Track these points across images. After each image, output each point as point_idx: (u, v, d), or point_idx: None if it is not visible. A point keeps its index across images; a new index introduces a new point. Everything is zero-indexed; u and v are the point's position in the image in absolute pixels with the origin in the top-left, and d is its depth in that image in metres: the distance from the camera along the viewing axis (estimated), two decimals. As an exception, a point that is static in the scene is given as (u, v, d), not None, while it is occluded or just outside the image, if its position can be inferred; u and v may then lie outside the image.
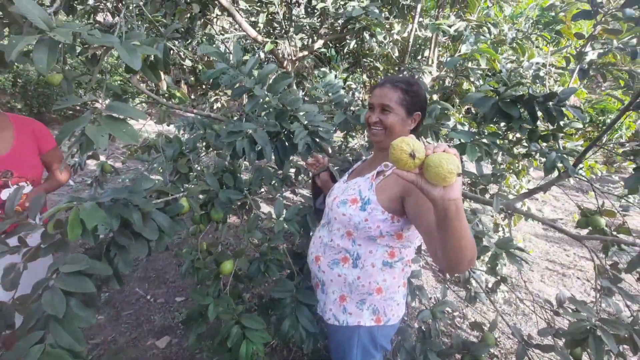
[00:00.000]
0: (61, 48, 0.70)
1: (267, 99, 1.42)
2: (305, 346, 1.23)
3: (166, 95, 3.21)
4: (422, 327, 1.63)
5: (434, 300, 2.61)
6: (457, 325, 2.47)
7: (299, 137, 1.36)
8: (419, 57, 2.60)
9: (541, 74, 2.15)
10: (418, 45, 2.44)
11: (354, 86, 2.97)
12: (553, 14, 2.10)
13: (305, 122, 1.43)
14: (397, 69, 2.36)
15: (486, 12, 2.35)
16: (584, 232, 1.73)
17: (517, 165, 2.84)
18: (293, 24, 2.35)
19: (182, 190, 1.36)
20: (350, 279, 1.06)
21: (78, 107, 7.58)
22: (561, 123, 1.29)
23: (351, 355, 1.09)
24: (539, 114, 1.24)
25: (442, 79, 2.45)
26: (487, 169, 2.71)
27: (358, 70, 2.98)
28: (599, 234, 1.45)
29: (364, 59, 2.83)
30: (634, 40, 1.42)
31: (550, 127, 1.36)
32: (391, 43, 2.49)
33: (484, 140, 1.29)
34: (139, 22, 1.45)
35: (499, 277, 1.75)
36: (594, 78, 2.11)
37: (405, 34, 2.46)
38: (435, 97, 2.21)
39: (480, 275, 1.88)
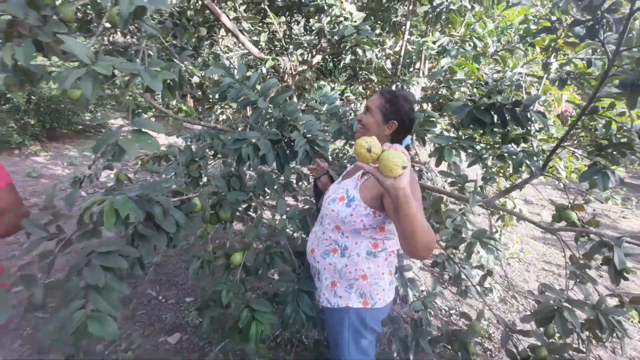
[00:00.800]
0: (99, 77, 0.88)
1: (269, 110, 1.59)
2: (304, 330, 1.38)
3: (174, 109, 3.43)
4: (414, 317, 1.76)
5: (426, 293, 2.73)
6: (454, 322, 2.59)
7: (299, 144, 1.53)
8: (411, 69, 2.78)
9: (522, 83, 2.32)
10: (410, 58, 2.63)
11: (351, 97, 3.16)
12: (533, 26, 2.28)
13: (304, 131, 1.60)
14: (390, 80, 2.54)
15: (472, 27, 2.53)
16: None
17: (507, 169, 2.99)
18: (292, 41, 2.55)
19: (194, 191, 1.53)
20: (339, 266, 1.22)
21: (88, 123, 7.87)
22: (536, 126, 1.44)
23: (343, 334, 1.23)
24: (509, 119, 1.40)
25: (434, 89, 2.63)
26: (476, 171, 2.86)
27: (355, 82, 3.17)
28: (571, 226, 1.59)
29: (360, 72, 3.02)
30: (590, 51, 1.58)
31: (522, 131, 1.52)
32: (384, 57, 2.68)
33: (462, 144, 1.45)
34: (152, 45, 1.63)
35: (485, 271, 1.89)
36: (586, 84, 2.28)
37: (397, 48, 2.65)
38: (425, 106, 2.38)
39: (470, 271, 2.01)
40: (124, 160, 2.59)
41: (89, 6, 1.10)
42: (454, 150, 1.40)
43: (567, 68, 1.82)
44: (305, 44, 2.60)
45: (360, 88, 2.99)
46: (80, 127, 7.35)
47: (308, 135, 1.59)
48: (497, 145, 1.61)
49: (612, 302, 1.49)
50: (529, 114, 1.34)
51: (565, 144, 1.76)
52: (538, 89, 2.53)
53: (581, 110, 1.32)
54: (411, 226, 0.83)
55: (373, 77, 2.85)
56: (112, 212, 1.10)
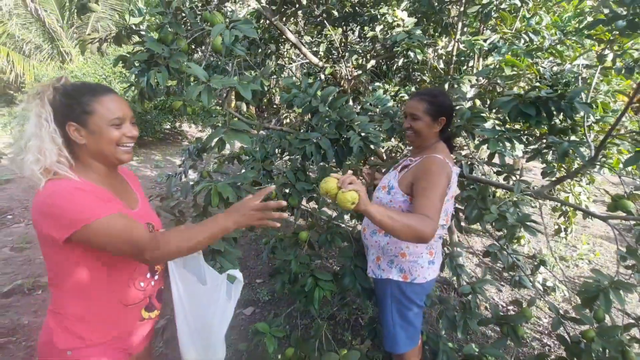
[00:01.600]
0: (213, 90, 1.21)
1: (328, 113, 1.86)
2: (359, 305, 1.61)
3: (244, 114, 3.86)
4: (463, 301, 1.88)
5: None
6: (505, 310, 2.60)
7: (354, 141, 1.77)
8: (464, 68, 2.85)
9: (584, 74, 2.29)
10: (465, 57, 2.71)
11: (405, 97, 3.31)
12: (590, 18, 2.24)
13: (359, 130, 1.83)
14: (442, 79, 2.65)
15: (527, 21, 2.55)
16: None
17: (572, 166, 2.89)
18: (348, 49, 2.80)
19: (270, 181, 1.85)
20: (383, 244, 1.42)
21: (167, 132, 8.96)
22: (592, 118, 1.49)
23: (386, 302, 1.44)
24: (554, 111, 1.48)
25: (486, 86, 2.69)
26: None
27: (408, 83, 3.31)
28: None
29: (413, 73, 3.16)
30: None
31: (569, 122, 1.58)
32: (437, 57, 2.80)
33: (507, 136, 1.57)
34: (233, 61, 2.01)
35: (537, 261, 1.94)
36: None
37: (449, 48, 2.76)
38: (477, 102, 2.46)
39: (525, 264, 2.07)
40: (206, 160, 3.03)
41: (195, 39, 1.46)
42: (499, 142, 1.53)
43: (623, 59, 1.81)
44: (360, 51, 2.83)
45: (413, 88, 3.13)
46: (162, 135, 8.42)
47: (362, 134, 1.82)
48: (545, 138, 1.68)
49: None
50: (574, 105, 1.42)
51: (620, 133, 1.75)
52: (601, 80, 2.46)
53: (629, 99, 1.36)
54: (392, 231, 1.07)
55: (426, 77, 2.97)
56: (217, 194, 1.45)
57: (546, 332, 2.38)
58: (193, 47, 1.65)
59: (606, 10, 1.68)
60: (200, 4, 2.06)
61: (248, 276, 2.98)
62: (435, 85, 2.92)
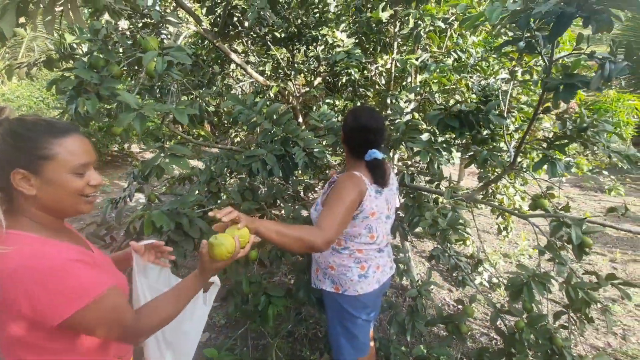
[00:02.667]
0: (146, 118, 1.20)
1: (273, 130, 1.90)
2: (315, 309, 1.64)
3: (195, 134, 3.82)
4: (410, 304, 1.97)
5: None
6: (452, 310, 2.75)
7: (299, 157, 1.82)
8: (403, 83, 3.05)
9: (504, 88, 2.55)
10: (403, 74, 2.90)
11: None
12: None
13: (304, 146, 1.89)
14: (383, 95, 2.82)
15: (455, 41, 2.79)
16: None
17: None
18: (294, 67, 2.89)
19: (215, 204, 1.84)
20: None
21: (115, 154, 8.50)
22: (512, 127, 1.66)
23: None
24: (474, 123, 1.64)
25: (426, 100, 2.90)
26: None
27: (355, 98, 3.47)
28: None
29: (358, 89, 3.32)
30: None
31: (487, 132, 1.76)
32: (377, 74, 2.97)
33: (436, 147, 1.70)
34: (174, 82, 2.00)
35: (476, 260, 2.09)
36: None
37: (388, 66, 2.94)
38: (416, 115, 2.64)
39: (467, 264, 2.21)
40: (152, 183, 2.95)
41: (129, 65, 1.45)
42: (429, 153, 1.65)
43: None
44: (305, 70, 2.93)
45: (359, 103, 3.28)
46: (109, 157, 7.97)
47: (307, 149, 1.88)
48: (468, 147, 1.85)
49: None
50: (489, 117, 1.58)
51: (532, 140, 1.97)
52: (520, 92, 2.75)
53: (534, 111, 1.55)
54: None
55: (369, 93, 3.13)
56: (150, 223, 1.42)
57: (493, 327, 2.54)
58: (129, 72, 1.62)
59: (511, 33, 1.91)
60: (137, 27, 2.03)
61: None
62: (378, 100, 3.09)
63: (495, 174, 3.09)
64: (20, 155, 0.70)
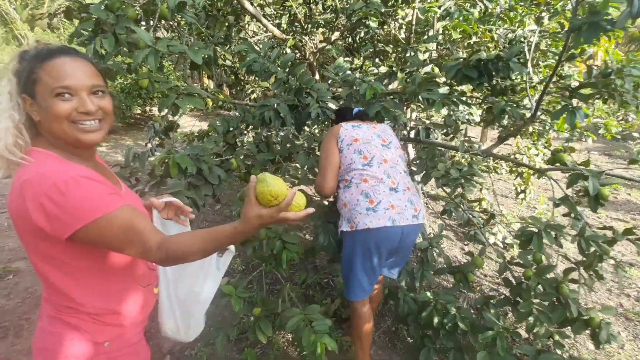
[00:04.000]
0: (159, 54, 1.22)
1: (288, 79, 1.88)
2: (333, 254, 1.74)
3: (213, 95, 3.81)
4: (421, 255, 2.02)
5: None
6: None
7: (313, 107, 1.82)
8: (424, 37, 2.92)
9: (532, 39, 2.41)
10: (424, 26, 2.76)
11: (372, 69, 3.36)
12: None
13: (317, 97, 1.88)
14: (404, 50, 2.72)
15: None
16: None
17: (527, 129, 3.05)
18: (311, 21, 2.80)
19: (232, 154, 1.89)
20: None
21: (138, 116, 8.71)
22: (535, 79, 1.59)
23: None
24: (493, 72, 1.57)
25: (442, 52, 2.78)
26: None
27: (373, 55, 3.36)
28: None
29: (377, 44, 3.20)
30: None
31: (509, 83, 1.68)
32: (398, 27, 2.84)
33: (452, 98, 1.66)
34: (191, 36, 1.99)
35: (488, 215, 2.08)
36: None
37: (409, 17, 2.81)
38: (435, 69, 2.55)
39: (479, 219, 2.21)
40: (174, 139, 3.04)
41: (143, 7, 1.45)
42: (441, 104, 1.62)
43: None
44: (323, 23, 2.84)
45: (377, 60, 3.18)
46: (132, 120, 8.17)
47: (320, 101, 1.87)
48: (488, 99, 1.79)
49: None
50: (509, 65, 1.51)
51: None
52: (550, 44, 2.58)
53: (558, 58, 1.47)
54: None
55: (388, 48, 3.02)
56: (175, 165, 1.48)
57: (501, 278, 2.58)
58: (146, 14, 1.62)
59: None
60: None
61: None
62: (397, 58, 2.98)
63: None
64: (22, 81, 0.72)
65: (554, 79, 1.71)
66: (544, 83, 2.24)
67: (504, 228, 2.79)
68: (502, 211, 3.74)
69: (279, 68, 1.85)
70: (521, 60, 1.64)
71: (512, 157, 2.86)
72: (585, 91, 1.50)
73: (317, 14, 2.82)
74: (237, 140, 2.26)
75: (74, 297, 0.76)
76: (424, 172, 1.75)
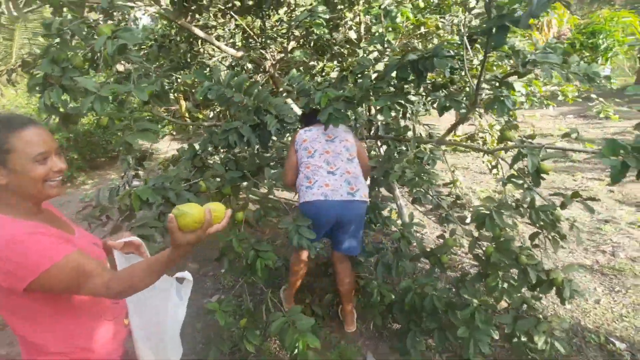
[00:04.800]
0: (105, 99, 1.30)
1: (244, 101, 1.96)
2: (312, 250, 1.84)
3: (187, 117, 3.89)
4: (396, 246, 2.10)
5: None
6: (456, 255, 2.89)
7: (271, 124, 1.89)
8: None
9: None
10: (371, 25, 2.86)
11: (333, 74, 3.46)
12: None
13: (276, 113, 1.95)
14: (355, 50, 2.81)
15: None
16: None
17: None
18: (265, 35, 2.89)
19: (200, 177, 1.97)
20: None
21: (121, 148, 8.72)
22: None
23: None
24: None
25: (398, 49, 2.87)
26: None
27: (332, 57, 3.46)
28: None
29: (334, 47, 3.30)
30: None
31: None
32: (348, 30, 2.94)
33: (397, 101, 1.75)
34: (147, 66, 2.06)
35: (454, 197, 2.19)
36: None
37: (357, 19, 2.91)
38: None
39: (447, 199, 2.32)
40: (150, 168, 3.09)
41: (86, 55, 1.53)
42: (389, 108, 1.71)
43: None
44: (276, 36, 2.93)
45: (335, 62, 3.28)
46: (114, 153, 8.18)
47: (280, 116, 1.94)
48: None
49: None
50: (433, 62, 1.60)
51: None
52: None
53: (484, 52, 1.56)
54: None
55: (344, 50, 3.12)
56: (137, 198, 1.56)
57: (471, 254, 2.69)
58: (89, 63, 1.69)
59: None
60: (98, 17, 2.08)
61: (212, 269, 3.11)
62: (353, 56, 3.08)
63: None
64: None
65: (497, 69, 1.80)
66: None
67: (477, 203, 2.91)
68: (476, 189, 3.86)
69: (234, 92, 1.92)
70: (455, 52, 1.74)
71: (476, 135, 2.97)
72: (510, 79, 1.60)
73: (269, 27, 2.91)
74: (210, 159, 2.34)
75: (38, 342, 0.84)
76: (383, 174, 1.85)
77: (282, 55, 3.34)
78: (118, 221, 1.71)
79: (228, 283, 2.78)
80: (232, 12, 2.67)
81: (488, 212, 1.60)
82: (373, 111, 2.87)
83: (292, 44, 3.26)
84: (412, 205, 2.36)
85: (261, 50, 3.19)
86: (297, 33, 3.21)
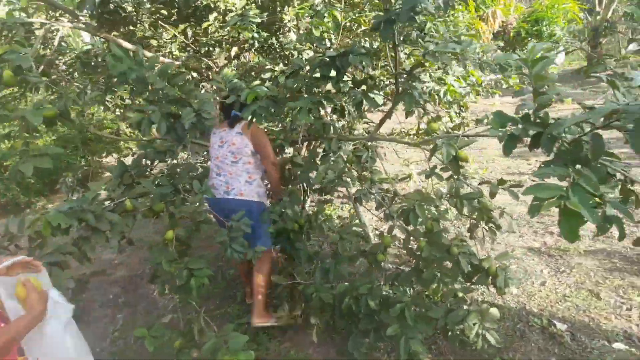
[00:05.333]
0: None
1: (165, 88, 1.83)
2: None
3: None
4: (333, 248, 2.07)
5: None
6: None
7: (186, 117, 1.79)
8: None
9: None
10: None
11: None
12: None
13: (196, 107, 1.86)
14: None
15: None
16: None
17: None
18: (201, 43, 2.82)
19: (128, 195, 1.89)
20: None
21: (86, 167, 8.39)
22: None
23: None
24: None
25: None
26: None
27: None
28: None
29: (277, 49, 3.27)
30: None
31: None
32: (286, 31, 2.92)
33: (319, 100, 1.73)
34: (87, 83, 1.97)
35: (392, 193, 2.18)
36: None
37: (295, 22, 2.88)
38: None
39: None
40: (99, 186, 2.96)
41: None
42: (306, 110, 1.68)
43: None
44: (214, 42, 2.87)
45: (282, 64, 3.25)
46: (79, 173, 7.87)
47: (199, 111, 1.85)
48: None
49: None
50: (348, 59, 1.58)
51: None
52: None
53: (393, 47, 1.56)
54: None
55: (286, 52, 3.09)
56: (47, 224, 1.47)
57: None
58: None
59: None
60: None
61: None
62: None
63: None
64: None
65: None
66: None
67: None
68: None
69: (157, 77, 1.80)
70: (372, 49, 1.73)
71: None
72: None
73: (201, 34, 2.84)
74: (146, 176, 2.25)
75: None
76: (304, 176, 1.83)
77: (226, 62, 3.28)
78: (30, 248, 1.61)
79: (179, 302, 2.70)
80: (162, 23, 2.59)
81: (411, 207, 1.59)
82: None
83: (234, 49, 3.21)
84: (355, 204, 2.34)
85: (203, 58, 3.12)
86: (241, 38, 3.17)
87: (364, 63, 1.72)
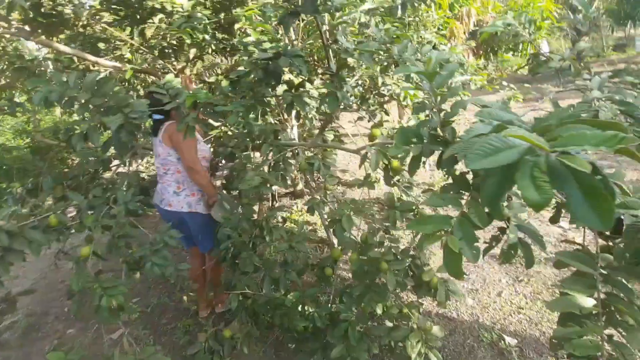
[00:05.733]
0: None
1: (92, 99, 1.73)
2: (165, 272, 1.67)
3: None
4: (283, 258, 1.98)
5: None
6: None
7: (113, 122, 1.68)
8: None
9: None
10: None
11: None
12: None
13: (128, 112, 1.75)
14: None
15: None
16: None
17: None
18: (151, 45, 2.72)
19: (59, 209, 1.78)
20: None
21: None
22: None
23: None
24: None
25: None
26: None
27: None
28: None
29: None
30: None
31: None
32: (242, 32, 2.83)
33: (253, 104, 1.64)
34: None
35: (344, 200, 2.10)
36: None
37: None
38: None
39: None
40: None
41: None
42: (239, 114, 1.59)
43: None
44: (166, 44, 2.76)
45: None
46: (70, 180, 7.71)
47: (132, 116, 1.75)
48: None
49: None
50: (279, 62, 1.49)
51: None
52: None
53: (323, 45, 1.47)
54: None
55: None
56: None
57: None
58: None
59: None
60: None
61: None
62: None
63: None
64: None
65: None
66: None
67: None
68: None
69: (82, 92, 1.71)
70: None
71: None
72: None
73: (150, 36, 2.73)
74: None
75: None
76: (237, 185, 1.73)
77: (185, 64, 3.18)
78: None
79: (131, 315, 2.59)
80: (105, 25, 2.48)
81: (339, 218, 1.51)
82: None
83: (193, 50, 3.11)
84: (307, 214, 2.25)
85: (161, 61, 3.02)
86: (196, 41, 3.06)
87: (300, 66, 1.65)
